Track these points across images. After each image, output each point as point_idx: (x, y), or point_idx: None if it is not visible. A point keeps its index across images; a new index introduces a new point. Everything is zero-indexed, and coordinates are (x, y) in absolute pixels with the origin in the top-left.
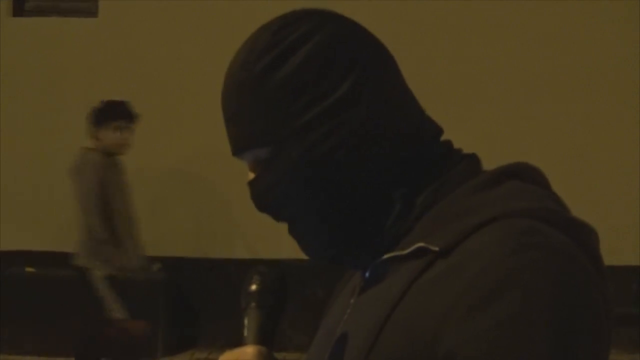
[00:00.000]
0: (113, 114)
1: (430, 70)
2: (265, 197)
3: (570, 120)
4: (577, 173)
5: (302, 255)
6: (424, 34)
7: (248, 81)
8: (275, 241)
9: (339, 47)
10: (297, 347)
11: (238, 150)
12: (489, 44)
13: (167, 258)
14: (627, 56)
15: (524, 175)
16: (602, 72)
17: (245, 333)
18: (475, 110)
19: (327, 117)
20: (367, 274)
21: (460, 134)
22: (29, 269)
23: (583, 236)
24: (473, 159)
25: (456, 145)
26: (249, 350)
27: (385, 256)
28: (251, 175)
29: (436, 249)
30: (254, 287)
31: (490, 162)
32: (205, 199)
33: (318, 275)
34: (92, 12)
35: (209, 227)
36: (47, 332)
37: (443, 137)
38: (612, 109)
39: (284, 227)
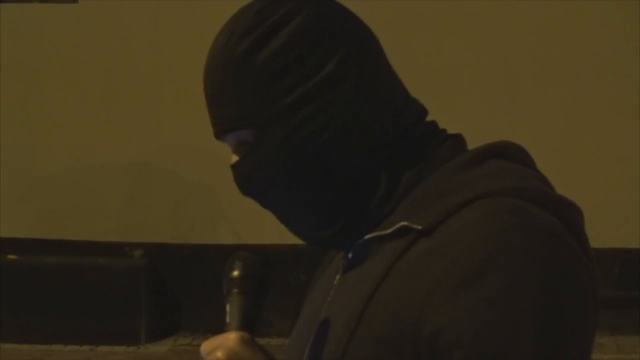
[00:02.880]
0: None
1: (431, 63)
2: (249, 181)
3: (565, 115)
4: (562, 155)
5: (285, 240)
6: (417, 25)
7: (230, 63)
8: (258, 226)
9: (322, 27)
10: (279, 333)
11: (220, 132)
12: (488, 43)
13: (149, 244)
14: (623, 49)
15: (508, 153)
16: (600, 69)
17: (228, 319)
18: (473, 105)
19: (311, 98)
20: (350, 255)
21: (455, 127)
22: (11, 257)
23: (569, 215)
24: (458, 139)
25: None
26: (232, 336)
27: (368, 236)
28: (234, 158)
29: (419, 227)
30: (235, 272)
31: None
32: (186, 184)
33: (301, 260)
34: None
35: (190, 212)
36: (30, 319)
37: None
38: (609, 107)
39: (266, 212)
